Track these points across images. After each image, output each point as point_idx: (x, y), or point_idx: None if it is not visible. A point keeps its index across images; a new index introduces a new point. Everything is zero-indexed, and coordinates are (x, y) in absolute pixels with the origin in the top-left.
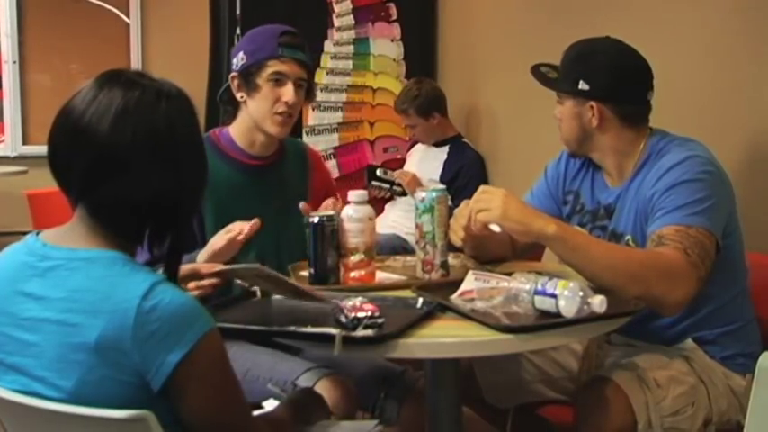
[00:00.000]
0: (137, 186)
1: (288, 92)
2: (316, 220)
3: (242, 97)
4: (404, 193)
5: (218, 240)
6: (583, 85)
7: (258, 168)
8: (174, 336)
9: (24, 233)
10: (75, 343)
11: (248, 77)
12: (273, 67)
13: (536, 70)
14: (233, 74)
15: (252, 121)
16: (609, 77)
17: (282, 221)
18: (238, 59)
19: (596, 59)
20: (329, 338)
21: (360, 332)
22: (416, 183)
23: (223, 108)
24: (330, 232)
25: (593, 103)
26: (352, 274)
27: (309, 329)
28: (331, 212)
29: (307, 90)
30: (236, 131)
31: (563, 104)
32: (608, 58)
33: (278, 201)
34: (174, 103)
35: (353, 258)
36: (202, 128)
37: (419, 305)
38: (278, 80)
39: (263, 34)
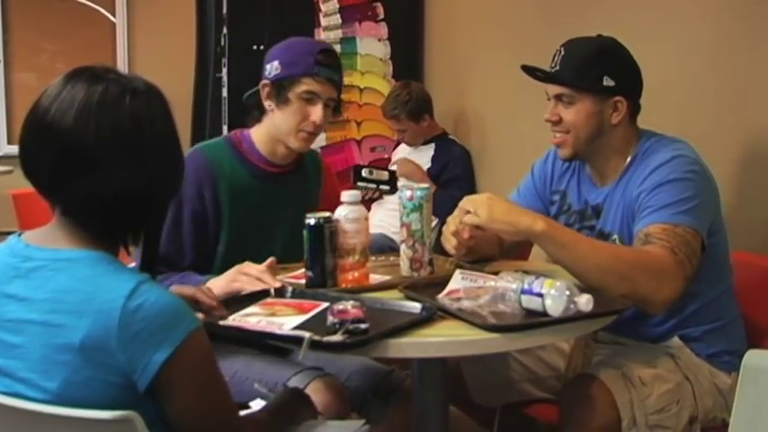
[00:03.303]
0: (104, 182)
1: (317, 112)
2: (312, 222)
3: (270, 106)
4: (391, 192)
5: (246, 286)
6: (608, 81)
7: (277, 176)
8: (159, 335)
9: (9, 233)
10: (59, 344)
11: (280, 89)
12: (307, 85)
13: (533, 70)
14: (265, 81)
15: (276, 131)
16: (631, 73)
17: (296, 230)
18: (272, 68)
19: (617, 55)
20: (300, 341)
21: (333, 337)
22: (418, 173)
23: (248, 111)
24: (329, 234)
25: (619, 99)
26: (349, 275)
27: (282, 331)
28: (327, 214)
29: (334, 107)
30: (259, 137)
31: (573, 105)
32: (625, 53)
33: (292, 209)
34: (141, 99)
35: (350, 259)
36: (188, 126)
37: (419, 311)
38: (309, 99)
39: (301, 48)
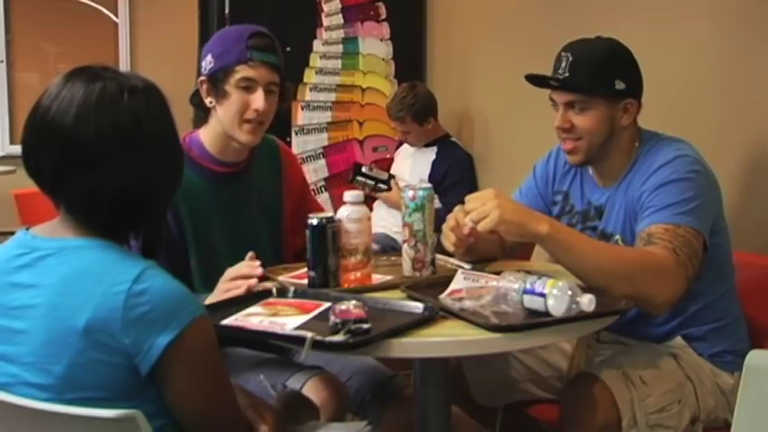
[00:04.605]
0: (106, 179)
1: (258, 99)
2: (315, 222)
3: (211, 102)
4: (388, 191)
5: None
6: (619, 85)
7: (231, 176)
8: (164, 319)
9: (12, 233)
10: (64, 326)
11: (216, 83)
12: (242, 72)
13: (544, 79)
14: (201, 78)
15: (222, 128)
16: (637, 73)
17: (262, 225)
18: (206, 63)
19: (625, 57)
20: (303, 341)
21: (335, 337)
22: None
23: (194, 111)
24: (331, 234)
25: (630, 101)
26: (351, 275)
27: (284, 331)
28: (330, 214)
29: (281, 92)
30: (208, 137)
31: (586, 111)
32: (630, 54)
33: (255, 204)
34: (139, 97)
35: (353, 259)
36: (190, 125)
37: (421, 311)
38: (247, 87)
39: (231, 36)
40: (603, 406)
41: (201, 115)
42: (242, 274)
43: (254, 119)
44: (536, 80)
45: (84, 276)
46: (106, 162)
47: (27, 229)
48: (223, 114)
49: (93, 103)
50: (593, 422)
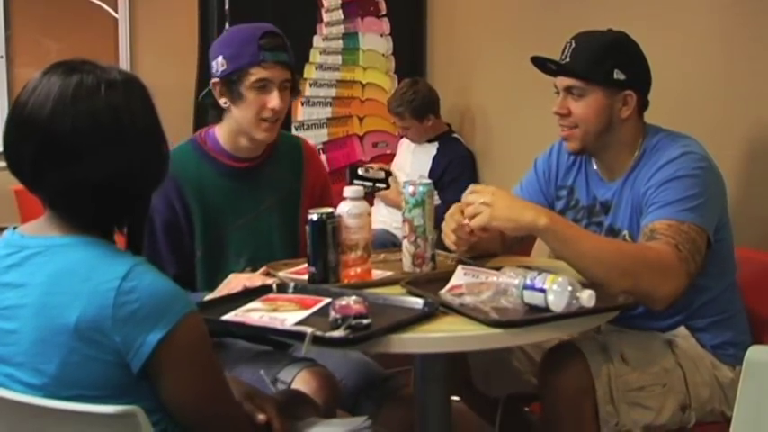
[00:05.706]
0: (86, 172)
1: (273, 98)
2: (315, 217)
3: (225, 103)
4: (386, 189)
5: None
6: (618, 75)
7: (245, 170)
8: (154, 316)
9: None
10: (55, 325)
11: (230, 85)
12: (257, 74)
13: (544, 61)
14: (214, 80)
15: (238, 126)
16: (641, 67)
17: (275, 220)
18: (218, 64)
19: (628, 49)
20: (303, 336)
21: (335, 333)
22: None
23: (209, 110)
24: (331, 230)
25: (629, 92)
26: (351, 271)
27: (284, 327)
28: (330, 209)
29: (292, 87)
30: (222, 133)
31: (583, 97)
32: (635, 48)
33: (269, 200)
34: (117, 90)
35: (353, 255)
36: (191, 120)
37: (421, 306)
38: (262, 87)
39: (242, 37)
40: (577, 372)
41: (215, 113)
42: (252, 286)
43: (271, 117)
44: (539, 63)
45: (71, 275)
46: (85, 155)
47: (15, 228)
48: (240, 115)
49: (69, 96)
50: (566, 385)
